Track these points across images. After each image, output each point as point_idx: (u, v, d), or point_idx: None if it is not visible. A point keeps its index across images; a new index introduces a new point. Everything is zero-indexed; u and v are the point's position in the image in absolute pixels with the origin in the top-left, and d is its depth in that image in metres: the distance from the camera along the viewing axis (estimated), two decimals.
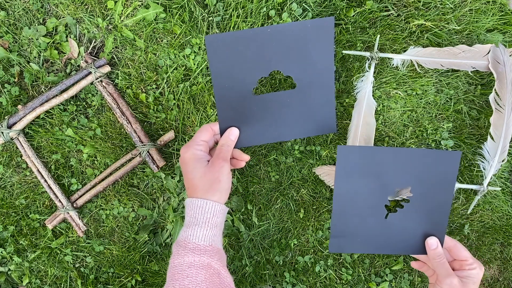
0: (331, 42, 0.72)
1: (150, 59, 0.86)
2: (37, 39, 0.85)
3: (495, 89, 0.82)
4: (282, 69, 0.73)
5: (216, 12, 0.83)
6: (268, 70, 0.73)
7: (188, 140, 0.88)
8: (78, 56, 0.87)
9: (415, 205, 0.68)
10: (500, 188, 0.89)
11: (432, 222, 0.68)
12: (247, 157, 0.70)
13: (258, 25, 0.83)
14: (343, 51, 0.85)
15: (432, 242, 0.67)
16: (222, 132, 0.70)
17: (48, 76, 0.87)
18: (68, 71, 0.87)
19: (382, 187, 0.68)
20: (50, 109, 0.86)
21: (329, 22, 0.70)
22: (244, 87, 0.74)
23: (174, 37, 0.85)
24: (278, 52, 0.73)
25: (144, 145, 0.86)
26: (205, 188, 0.62)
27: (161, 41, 0.86)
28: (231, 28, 0.85)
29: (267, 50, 0.72)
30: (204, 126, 0.68)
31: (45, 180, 0.88)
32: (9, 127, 0.85)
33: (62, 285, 0.93)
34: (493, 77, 0.82)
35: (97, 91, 0.88)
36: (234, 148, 0.69)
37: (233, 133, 0.69)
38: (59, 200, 0.88)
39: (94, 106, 0.88)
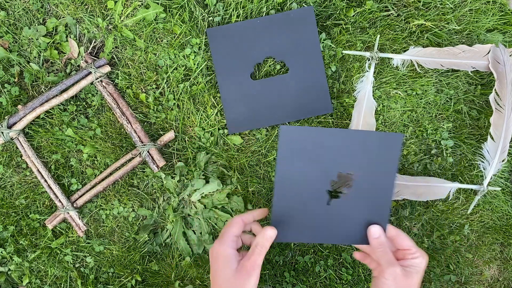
0: (314, 29, 0.81)
1: (150, 59, 0.86)
2: (37, 39, 0.85)
3: (495, 89, 0.82)
4: (274, 55, 0.83)
5: (216, 12, 0.83)
6: (262, 57, 0.83)
7: (188, 140, 0.88)
8: (78, 56, 0.87)
9: (358, 191, 0.61)
10: (500, 188, 0.89)
11: (375, 209, 0.63)
12: (265, 214, 0.68)
13: None
14: (343, 51, 0.85)
15: (374, 230, 0.62)
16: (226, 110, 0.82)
17: (48, 76, 0.87)
18: (68, 71, 0.87)
19: (325, 171, 0.61)
20: (50, 109, 0.86)
21: (309, 10, 0.80)
22: (243, 73, 0.83)
23: (174, 37, 0.85)
24: (269, 40, 0.82)
25: (144, 145, 0.86)
26: None
27: (161, 41, 0.86)
28: None
29: (259, 39, 0.81)
30: (235, 219, 0.64)
31: (45, 180, 0.88)
32: (9, 127, 0.85)
33: (62, 285, 0.93)
34: (493, 77, 0.82)
35: (97, 91, 0.88)
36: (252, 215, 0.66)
37: (268, 234, 0.62)
38: (59, 200, 0.88)
39: (94, 106, 0.88)
